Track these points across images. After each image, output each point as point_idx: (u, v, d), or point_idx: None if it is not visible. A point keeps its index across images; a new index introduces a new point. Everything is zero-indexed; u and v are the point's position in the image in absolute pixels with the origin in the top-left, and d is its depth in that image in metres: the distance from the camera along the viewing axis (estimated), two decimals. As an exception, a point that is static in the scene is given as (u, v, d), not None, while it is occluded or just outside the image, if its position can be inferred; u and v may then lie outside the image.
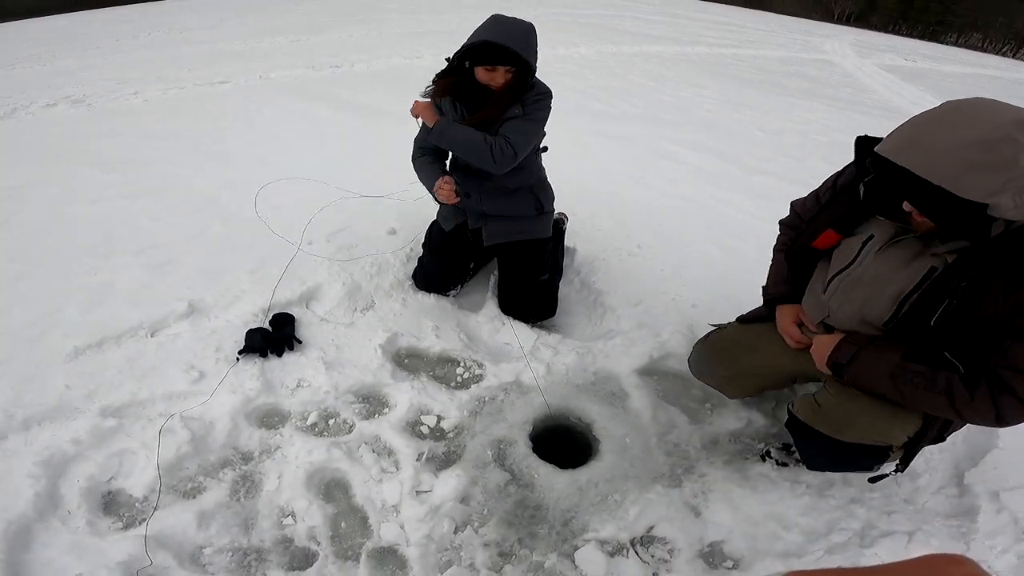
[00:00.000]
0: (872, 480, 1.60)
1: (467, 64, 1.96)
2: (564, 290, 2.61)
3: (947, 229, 1.20)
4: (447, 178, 2.12)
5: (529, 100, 2.02)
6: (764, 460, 1.85)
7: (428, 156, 2.25)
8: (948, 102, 1.15)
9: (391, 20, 11.97)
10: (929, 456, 1.85)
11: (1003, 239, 1.16)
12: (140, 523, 1.58)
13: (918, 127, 1.14)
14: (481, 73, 1.96)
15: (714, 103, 6.62)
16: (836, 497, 1.74)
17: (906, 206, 1.22)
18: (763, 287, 1.80)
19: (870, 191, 1.30)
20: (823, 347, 1.45)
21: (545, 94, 2.06)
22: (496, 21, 1.94)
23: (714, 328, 1.94)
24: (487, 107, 2.01)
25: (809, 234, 1.55)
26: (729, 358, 1.83)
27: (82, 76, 6.59)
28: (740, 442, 1.97)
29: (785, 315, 1.68)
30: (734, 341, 1.84)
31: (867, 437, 1.44)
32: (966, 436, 1.92)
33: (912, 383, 1.27)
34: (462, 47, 1.94)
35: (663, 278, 2.68)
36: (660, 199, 3.61)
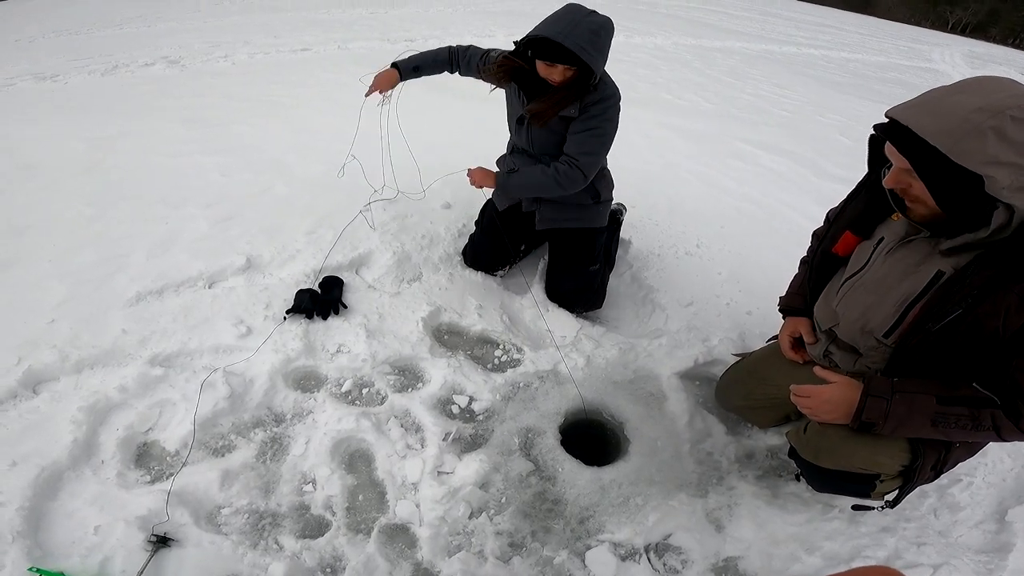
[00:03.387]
0: (855, 508, 1.60)
1: (529, 53, 1.90)
2: (614, 283, 2.55)
3: (942, 204, 1.11)
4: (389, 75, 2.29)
5: (591, 103, 1.92)
6: (799, 479, 1.76)
7: (450, 56, 2.29)
8: (975, 76, 1.11)
9: (468, -3, 12.00)
10: (975, 491, 1.75)
11: (1011, 242, 1.08)
12: (167, 478, 1.60)
13: (935, 91, 1.09)
14: (541, 67, 1.88)
15: (796, 104, 6.30)
16: (868, 524, 1.65)
17: (888, 181, 1.17)
18: (780, 297, 1.77)
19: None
20: (834, 406, 1.29)
21: (609, 98, 1.94)
22: (567, 13, 1.82)
23: (737, 358, 1.95)
24: (543, 102, 1.94)
25: (830, 238, 1.49)
26: (745, 389, 1.84)
27: (181, 38, 6.98)
28: (777, 459, 1.87)
29: (784, 328, 1.69)
30: (749, 372, 1.84)
31: (845, 465, 1.38)
32: (1018, 474, 1.81)
33: (957, 426, 1.19)
34: (526, 35, 1.86)
35: (719, 281, 2.58)
36: (725, 199, 3.46)
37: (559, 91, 1.91)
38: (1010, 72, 12.70)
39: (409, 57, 2.32)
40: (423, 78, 2.36)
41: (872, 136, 1.23)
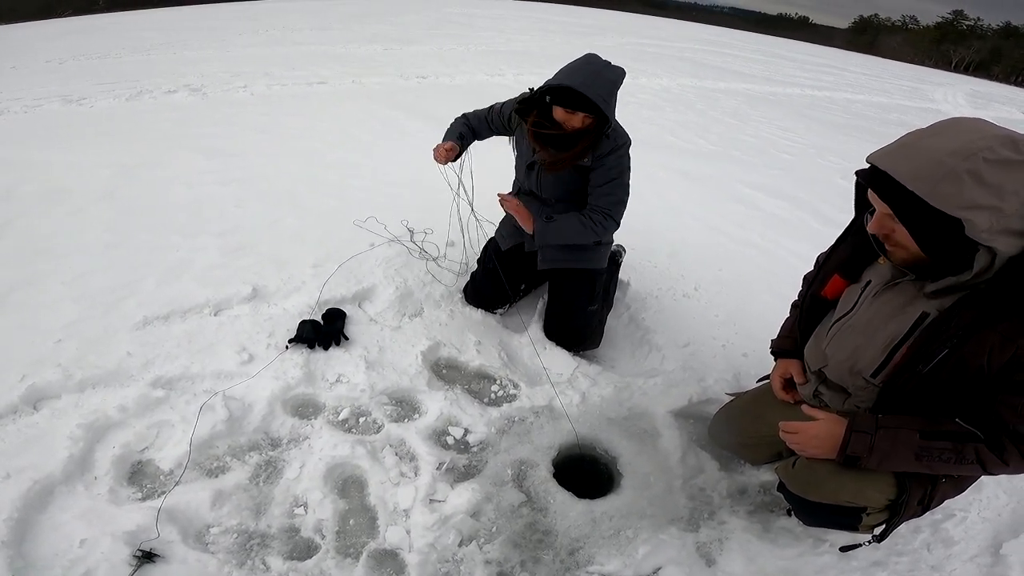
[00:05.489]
0: (844, 549, 1.60)
1: (547, 99, 1.98)
2: (611, 323, 2.59)
3: (925, 248, 1.15)
4: (450, 145, 2.25)
5: (605, 152, 2.01)
6: (790, 515, 1.77)
7: (466, 127, 2.35)
8: (951, 117, 1.14)
9: (479, 37, 12.43)
10: (970, 526, 1.76)
11: (993, 283, 1.11)
12: (159, 496, 1.63)
13: (911, 135, 1.13)
14: (559, 112, 1.96)
15: (798, 146, 6.41)
16: (859, 559, 1.65)
17: (871, 227, 1.21)
18: (772, 340, 1.80)
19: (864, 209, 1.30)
20: (821, 442, 1.34)
21: (623, 146, 2.05)
22: (587, 64, 1.91)
23: (731, 397, 1.98)
24: (564, 154, 2.02)
25: (819, 282, 1.53)
26: (737, 427, 1.88)
27: (203, 67, 7.23)
28: (769, 494, 1.89)
29: (776, 369, 1.73)
30: (742, 411, 1.87)
31: (832, 498, 1.40)
32: (1014, 509, 1.83)
33: (941, 459, 1.22)
34: (546, 83, 1.94)
35: (716, 323, 2.61)
36: (724, 242, 3.52)
37: (577, 143, 1.98)
38: (1012, 111, 12.86)
39: (446, 133, 2.36)
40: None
41: (858, 181, 1.28)
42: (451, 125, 2.39)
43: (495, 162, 2.72)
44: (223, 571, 1.47)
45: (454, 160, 2.30)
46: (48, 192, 3.22)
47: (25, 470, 1.59)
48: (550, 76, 1.96)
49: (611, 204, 2.08)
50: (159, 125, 4.77)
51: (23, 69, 7.09)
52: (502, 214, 2.44)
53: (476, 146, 2.43)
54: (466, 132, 2.36)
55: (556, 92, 1.91)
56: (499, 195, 2.15)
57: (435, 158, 2.26)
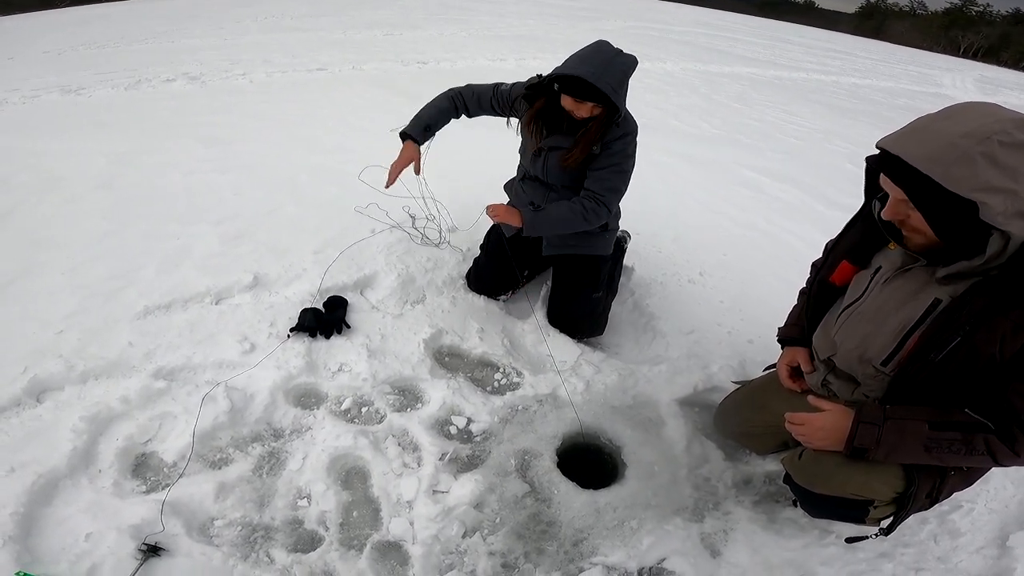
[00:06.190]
0: (849, 540, 1.59)
1: (556, 87, 1.93)
2: (615, 309, 2.56)
3: (939, 232, 1.12)
4: (410, 153, 2.19)
5: (612, 139, 1.97)
6: (796, 505, 1.75)
7: (449, 104, 2.24)
8: (962, 102, 1.13)
9: (480, 22, 12.30)
10: (976, 517, 1.75)
11: (1006, 269, 1.09)
12: (163, 488, 1.63)
13: (923, 120, 1.11)
14: (567, 101, 1.92)
15: (803, 131, 6.34)
16: (866, 550, 1.64)
17: (886, 214, 1.18)
18: (779, 328, 1.77)
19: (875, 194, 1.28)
20: (827, 433, 1.31)
21: (629, 134, 2.00)
22: (597, 52, 1.86)
23: (737, 385, 1.96)
24: (573, 145, 1.99)
25: (828, 268, 1.50)
26: (742, 416, 1.87)
27: (202, 55, 7.16)
28: (774, 484, 1.87)
29: (782, 357, 1.70)
30: (748, 400, 1.86)
31: (839, 491, 1.38)
32: (1021, 500, 1.82)
33: (950, 451, 1.20)
34: (555, 70, 1.89)
35: (721, 309, 2.59)
36: (729, 227, 3.49)
37: (588, 133, 1.94)
38: (1022, 96, 12.70)
39: (414, 119, 2.24)
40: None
41: (868, 166, 1.25)
42: (427, 105, 2.24)
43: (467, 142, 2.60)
44: (228, 564, 1.47)
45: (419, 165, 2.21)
46: (46, 182, 3.19)
47: (29, 464, 1.58)
48: (556, 61, 1.91)
49: (605, 190, 2.02)
50: (157, 114, 4.73)
51: (21, 60, 7.03)
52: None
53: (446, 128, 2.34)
54: (440, 115, 2.23)
55: (565, 81, 1.86)
56: (487, 207, 2.06)
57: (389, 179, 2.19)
